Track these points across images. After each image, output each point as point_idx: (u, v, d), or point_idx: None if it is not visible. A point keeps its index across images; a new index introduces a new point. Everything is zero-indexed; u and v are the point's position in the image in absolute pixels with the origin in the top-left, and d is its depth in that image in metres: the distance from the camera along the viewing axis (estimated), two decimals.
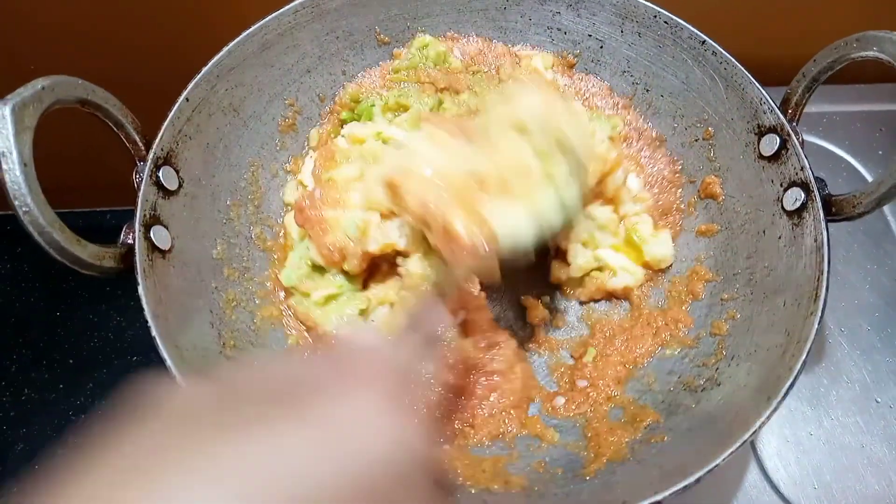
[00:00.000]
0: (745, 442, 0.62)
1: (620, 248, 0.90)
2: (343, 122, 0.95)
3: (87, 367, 1.02)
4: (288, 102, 0.94)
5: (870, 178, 1.08)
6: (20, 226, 1.08)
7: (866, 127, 1.13)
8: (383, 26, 0.96)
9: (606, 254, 0.89)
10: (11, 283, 1.11)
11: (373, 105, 0.94)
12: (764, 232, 0.82)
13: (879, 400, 0.92)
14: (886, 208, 1.07)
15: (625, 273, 0.89)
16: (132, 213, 0.72)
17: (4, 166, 0.60)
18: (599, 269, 0.89)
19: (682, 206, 0.93)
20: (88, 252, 0.66)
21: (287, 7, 0.88)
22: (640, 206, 0.91)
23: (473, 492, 0.72)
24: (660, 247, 0.90)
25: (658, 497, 0.59)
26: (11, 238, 1.14)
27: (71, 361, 1.03)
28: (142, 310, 0.69)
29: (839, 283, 1.00)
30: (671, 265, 0.91)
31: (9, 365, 1.03)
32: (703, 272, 0.88)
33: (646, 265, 0.91)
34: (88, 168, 1.05)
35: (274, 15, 0.87)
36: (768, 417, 0.63)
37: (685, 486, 0.60)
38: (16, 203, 0.61)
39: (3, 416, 0.98)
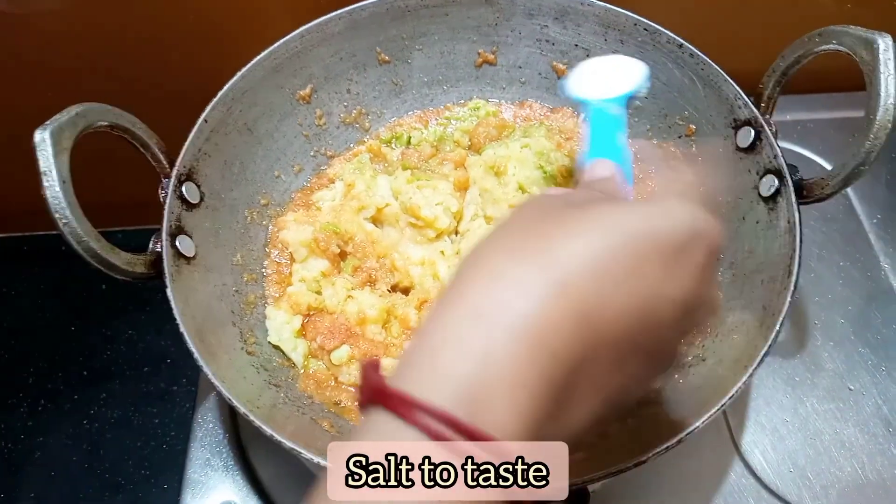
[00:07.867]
0: (722, 406, 0.67)
1: None
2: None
3: (100, 378, 1.05)
4: (297, 122, 1.01)
5: None
6: (36, 247, 1.19)
7: (839, 133, 1.20)
8: (383, 46, 1.03)
9: None
10: (28, 299, 1.15)
11: (409, 137, 1.05)
12: (744, 218, 0.87)
13: (852, 388, 0.96)
14: (858, 208, 1.13)
15: None
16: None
17: (45, 183, 0.67)
18: None
19: None
20: (122, 259, 0.73)
21: (294, 32, 0.95)
22: None
23: None
24: None
25: (644, 457, 0.65)
26: (28, 258, 1.19)
27: (85, 373, 1.06)
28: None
29: (814, 279, 1.05)
30: None
31: (26, 377, 1.06)
32: None
33: None
34: (100, 191, 1.13)
35: (283, 40, 0.94)
36: (744, 383, 0.68)
37: (667, 448, 0.65)
38: (56, 216, 0.68)
39: (20, 426, 1.01)
